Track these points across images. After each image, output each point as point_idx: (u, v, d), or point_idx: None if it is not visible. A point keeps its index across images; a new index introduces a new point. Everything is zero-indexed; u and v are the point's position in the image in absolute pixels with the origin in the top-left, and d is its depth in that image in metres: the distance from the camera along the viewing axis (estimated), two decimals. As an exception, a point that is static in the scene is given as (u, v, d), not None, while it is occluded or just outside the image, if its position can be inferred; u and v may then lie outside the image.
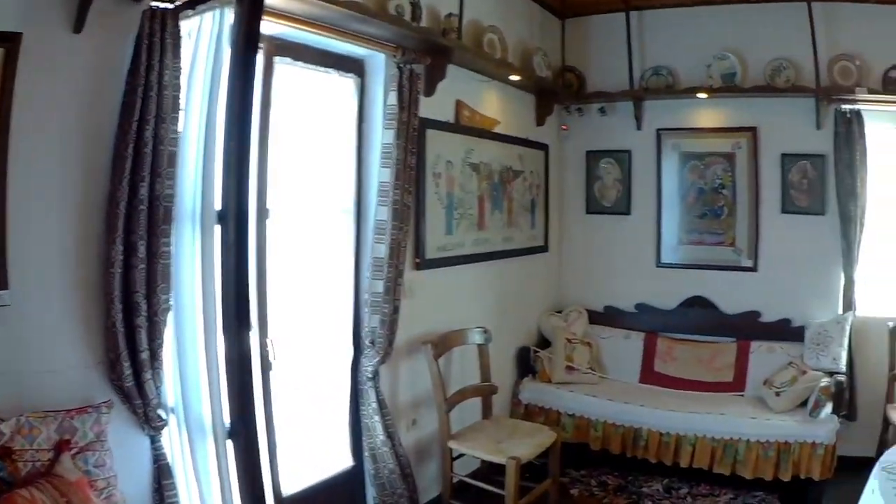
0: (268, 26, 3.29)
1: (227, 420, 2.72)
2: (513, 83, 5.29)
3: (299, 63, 3.64)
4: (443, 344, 4.40)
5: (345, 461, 4.05)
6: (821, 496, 4.94)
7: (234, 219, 2.55)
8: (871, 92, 5.37)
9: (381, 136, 3.96)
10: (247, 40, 2.56)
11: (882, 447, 5.12)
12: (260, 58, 3.35)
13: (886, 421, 5.20)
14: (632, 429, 5.17)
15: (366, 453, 3.97)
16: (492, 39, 4.86)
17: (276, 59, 3.49)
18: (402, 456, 4.00)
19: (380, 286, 3.90)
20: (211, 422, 2.78)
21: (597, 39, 6.15)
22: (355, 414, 4.01)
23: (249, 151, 2.59)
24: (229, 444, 2.71)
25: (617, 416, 5.21)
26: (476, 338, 4.68)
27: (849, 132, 5.45)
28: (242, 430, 2.61)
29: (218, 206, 2.67)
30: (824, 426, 4.86)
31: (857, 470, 4.96)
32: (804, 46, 5.45)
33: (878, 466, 3.36)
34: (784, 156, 5.72)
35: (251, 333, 2.63)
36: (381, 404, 3.92)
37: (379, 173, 3.95)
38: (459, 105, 4.72)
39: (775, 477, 4.90)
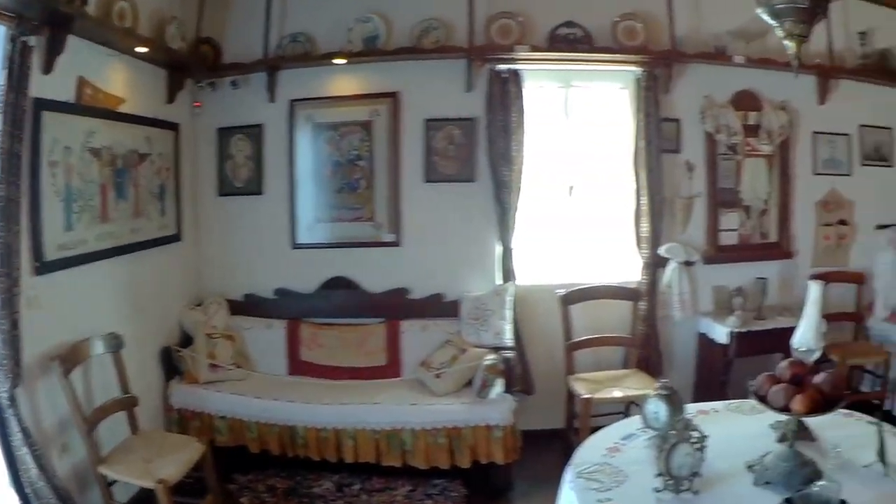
0: None
1: None
2: (142, 56, 5.38)
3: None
4: (72, 357, 4.43)
5: (11, 501, 3.98)
6: (510, 477, 5.47)
7: None
8: (534, 50, 6.09)
9: (-7, 122, 3.87)
10: None
11: (571, 419, 5.94)
12: None
13: (570, 392, 5.85)
14: (287, 426, 5.44)
15: (27, 490, 3.96)
16: (122, 8, 4.92)
17: None
18: (60, 488, 4.04)
19: (-6, 299, 3.85)
20: None
21: (236, 7, 6.34)
22: (7, 447, 3.95)
23: None
24: None
25: (269, 414, 5.47)
26: (101, 346, 4.71)
27: (504, 93, 6.09)
28: None
29: None
30: (497, 407, 5.34)
31: (547, 444, 5.78)
32: (459, 5, 6.06)
33: (570, 471, 3.34)
34: (428, 121, 6.31)
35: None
36: (26, 432, 3.93)
37: (-13, 166, 3.87)
38: (82, 83, 4.72)
39: (453, 465, 5.34)
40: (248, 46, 6.22)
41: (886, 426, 3.43)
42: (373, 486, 5.36)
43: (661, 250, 6.41)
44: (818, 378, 3.39)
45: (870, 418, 3.80)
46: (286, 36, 6.24)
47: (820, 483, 2.84)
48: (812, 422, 3.50)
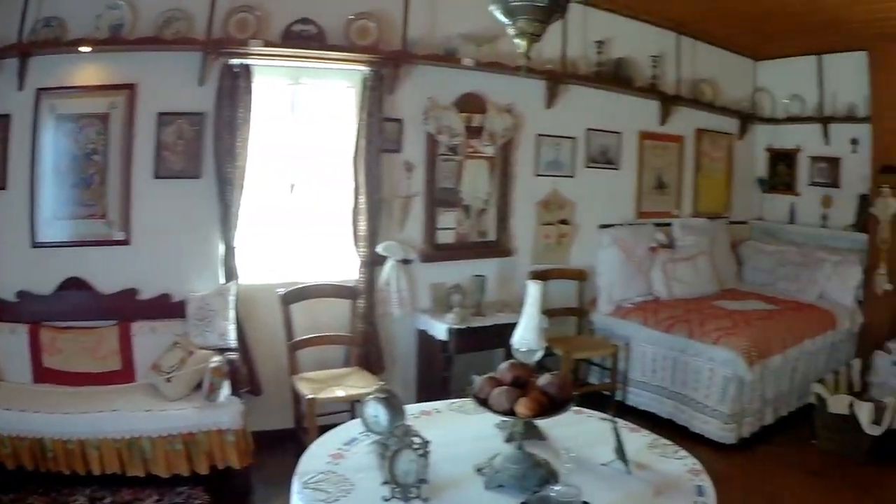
0: None
1: None
2: None
3: None
4: None
5: None
6: (249, 481, 5.79)
7: None
8: (267, 45, 6.38)
9: None
10: None
11: (300, 419, 6.33)
12: None
13: (296, 392, 6.21)
14: (36, 439, 5.38)
15: None
16: None
17: None
18: None
19: None
20: None
21: (2, -14, 6.14)
22: None
23: None
24: None
25: (17, 427, 5.39)
26: None
27: (234, 88, 6.37)
28: None
29: None
30: (227, 410, 5.59)
31: (282, 444, 6.17)
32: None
33: (297, 482, 3.38)
34: (161, 115, 6.46)
35: None
36: None
37: None
38: None
39: (193, 472, 5.54)
40: (7, 29, 6.06)
41: (621, 422, 3.79)
42: (122, 497, 5.50)
43: (379, 248, 6.99)
44: (543, 380, 3.53)
45: (602, 415, 4.22)
46: (41, 20, 6.13)
47: (558, 486, 3.07)
48: (541, 421, 3.61)
